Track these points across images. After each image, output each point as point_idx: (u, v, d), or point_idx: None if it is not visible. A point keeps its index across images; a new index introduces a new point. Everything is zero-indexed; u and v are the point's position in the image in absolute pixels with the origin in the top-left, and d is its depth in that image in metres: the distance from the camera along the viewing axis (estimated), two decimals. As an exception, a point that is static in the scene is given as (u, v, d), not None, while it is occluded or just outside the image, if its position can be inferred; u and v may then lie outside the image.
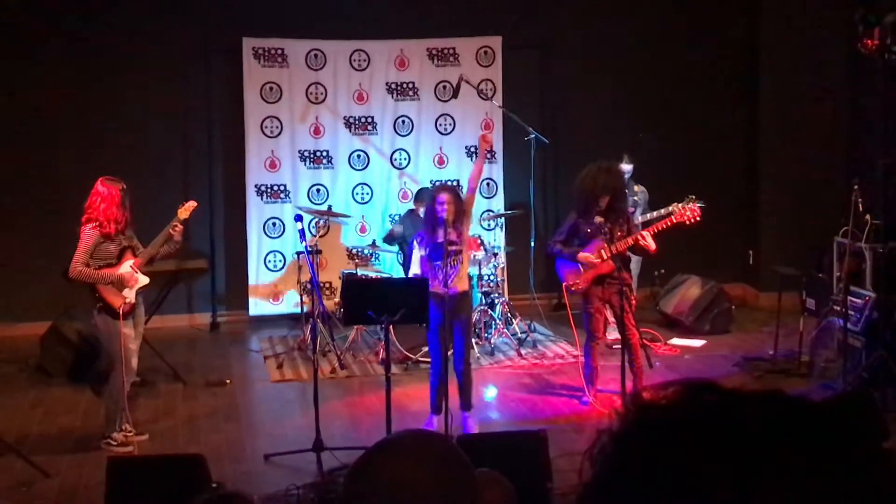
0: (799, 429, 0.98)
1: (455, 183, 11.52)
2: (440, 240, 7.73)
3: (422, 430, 2.94)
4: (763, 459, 0.95)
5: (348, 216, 11.55)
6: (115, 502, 6.28)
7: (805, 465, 0.95)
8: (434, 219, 7.83)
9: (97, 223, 7.68)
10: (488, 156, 12.18)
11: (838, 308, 8.85)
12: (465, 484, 1.67)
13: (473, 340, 10.08)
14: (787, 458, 0.95)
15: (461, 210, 7.88)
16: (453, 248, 7.79)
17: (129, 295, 7.81)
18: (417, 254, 8.00)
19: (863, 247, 9.18)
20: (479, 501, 1.68)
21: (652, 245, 8.36)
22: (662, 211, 9.63)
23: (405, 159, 12.15)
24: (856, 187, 8.97)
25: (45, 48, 11.30)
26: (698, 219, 8.70)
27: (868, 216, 9.06)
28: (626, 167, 10.49)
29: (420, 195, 10.91)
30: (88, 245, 7.68)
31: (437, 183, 11.35)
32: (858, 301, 8.77)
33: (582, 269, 8.51)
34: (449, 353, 8.00)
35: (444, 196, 7.87)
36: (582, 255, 8.45)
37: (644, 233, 8.42)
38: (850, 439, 0.98)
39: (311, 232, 10.78)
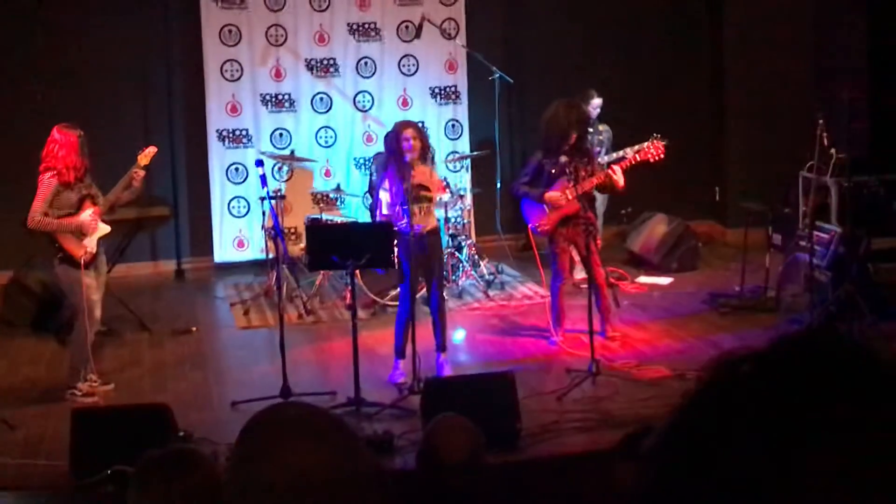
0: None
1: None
2: (410, 182, 7.58)
3: (292, 403, 2.74)
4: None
5: (312, 160, 11.42)
6: (80, 453, 6.24)
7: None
8: (400, 157, 7.68)
9: (55, 171, 7.54)
10: (452, 97, 12.07)
11: (804, 243, 8.87)
12: (354, 452, 1.57)
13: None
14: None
15: (427, 146, 7.74)
16: (423, 192, 7.64)
17: (90, 244, 7.70)
18: (385, 195, 7.82)
19: (828, 181, 9.18)
20: (368, 466, 1.58)
21: (621, 181, 8.31)
22: (628, 150, 9.57)
23: (369, 101, 11.98)
24: (821, 121, 8.94)
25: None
26: (662, 156, 8.66)
27: (833, 150, 9.05)
28: (597, 101, 10.40)
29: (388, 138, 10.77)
30: (47, 194, 7.54)
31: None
32: (824, 236, 8.79)
33: (548, 210, 8.45)
34: (420, 293, 7.91)
35: (409, 132, 7.70)
36: (548, 194, 8.39)
37: (615, 167, 8.38)
38: None
39: (274, 177, 10.64)
